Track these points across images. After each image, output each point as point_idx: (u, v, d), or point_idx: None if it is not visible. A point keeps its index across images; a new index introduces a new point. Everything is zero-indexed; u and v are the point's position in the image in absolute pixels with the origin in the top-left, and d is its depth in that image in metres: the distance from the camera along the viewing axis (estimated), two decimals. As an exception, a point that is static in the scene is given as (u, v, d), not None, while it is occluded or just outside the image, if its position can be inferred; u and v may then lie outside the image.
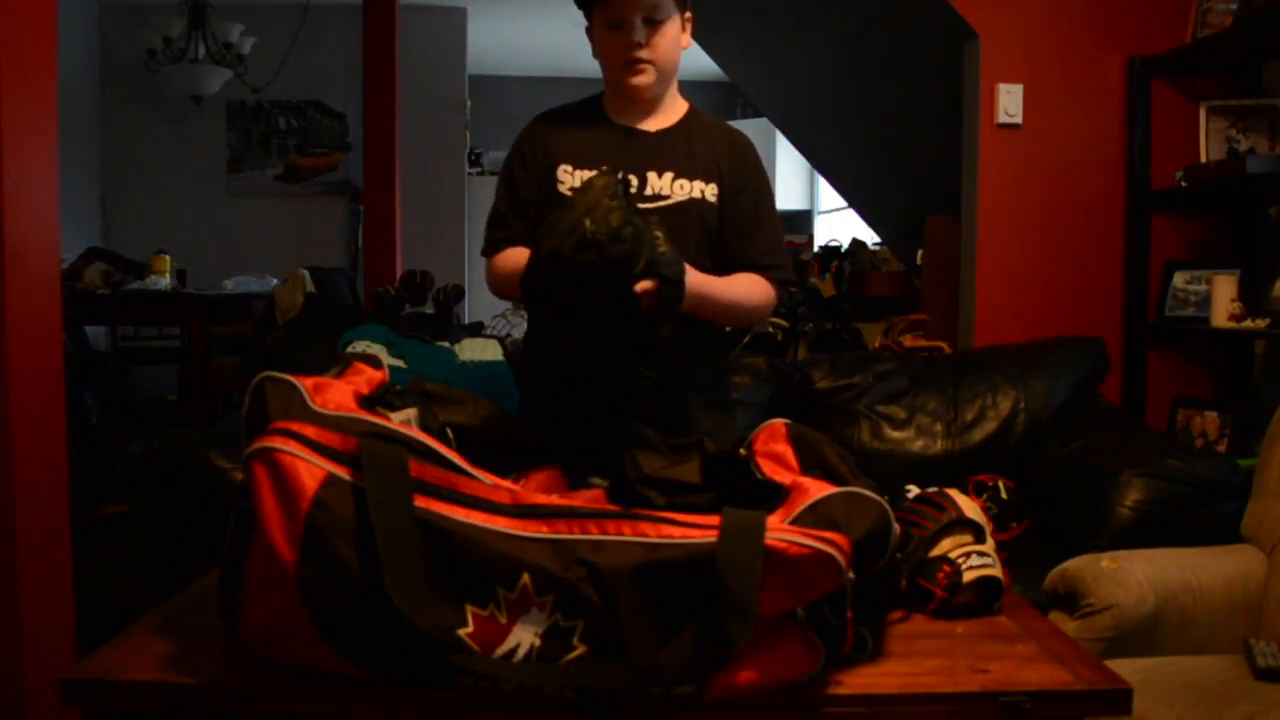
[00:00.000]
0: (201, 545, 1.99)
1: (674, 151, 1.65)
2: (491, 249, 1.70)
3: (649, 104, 1.67)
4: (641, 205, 1.60)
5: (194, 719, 0.97)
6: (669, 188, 1.63)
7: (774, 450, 1.16)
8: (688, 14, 1.65)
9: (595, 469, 1.27)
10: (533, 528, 0.94)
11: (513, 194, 1.68)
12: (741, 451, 1.20)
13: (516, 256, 1.61)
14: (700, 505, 1.19)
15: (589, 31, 1.64)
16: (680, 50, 1.64)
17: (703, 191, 1.64)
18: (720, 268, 1.66)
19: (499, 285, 1.68)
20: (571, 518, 0.95)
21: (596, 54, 1.65)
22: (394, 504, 0.92)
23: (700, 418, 1.67)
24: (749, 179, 1.68)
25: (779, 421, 1.22)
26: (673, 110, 1.69)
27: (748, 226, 1.67)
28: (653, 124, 1.67)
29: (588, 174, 1.61)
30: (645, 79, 1.61)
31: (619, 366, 1.47)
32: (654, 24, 1.58)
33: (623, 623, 0.91)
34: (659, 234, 1.38)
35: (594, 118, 1.69)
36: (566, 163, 1.64)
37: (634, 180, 1.61)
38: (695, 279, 1.48)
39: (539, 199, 1.65)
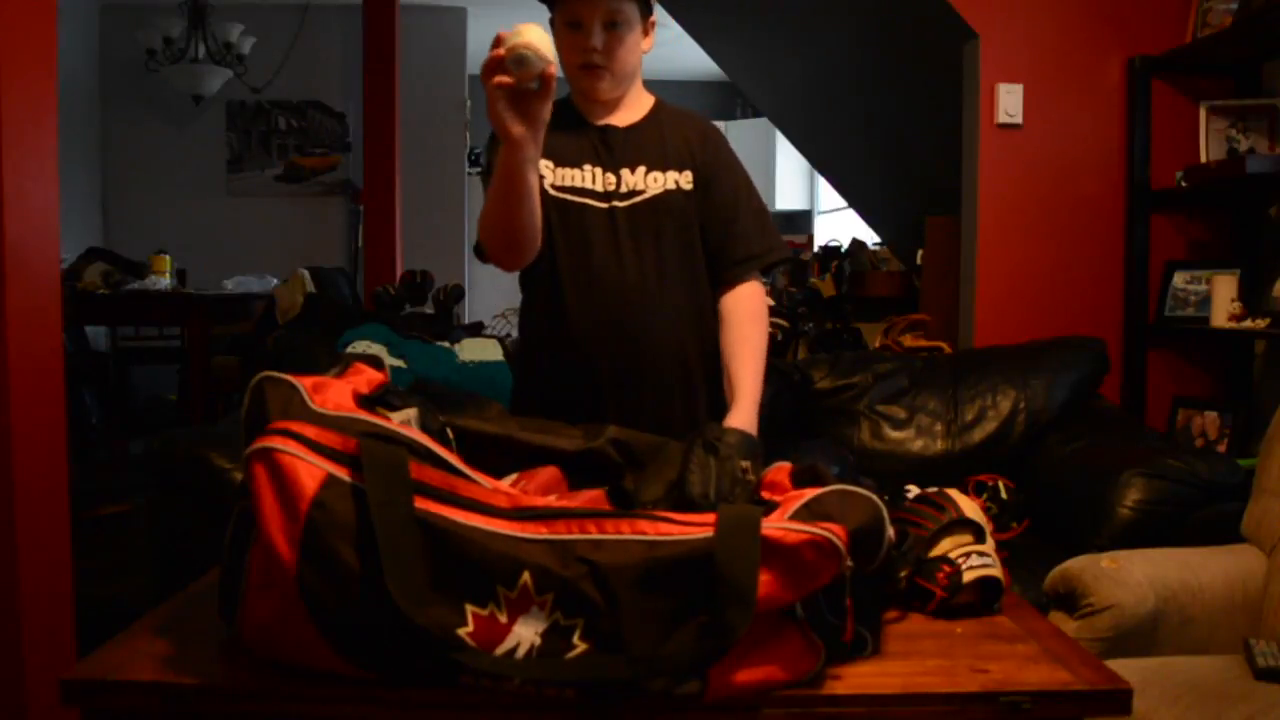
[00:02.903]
0: (201, 545, 1.99)
1: (645, 145, 1.65)
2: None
3: (613, 103, 1.66)
4: (618, 203, 1.61)
5: (194, 719, 0.97)
6: (643, 182, 1.62)
7: (773, 480, 1.17)
8: (651, 19, 1.62)
9: (595, 478, 1.27)
10: (532, 529, 0.94)
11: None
12: None
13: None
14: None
15: (552, 23, 1.61)
16: (640, 55, 1.62)
17: (677, 181, 1.63)
18: (710, 255, 1.67)
19: (484, 225, 1.59)
20: (570, 518, 0.95)
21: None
22: (394, 504, 0.92)
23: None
24: (722, 164, 1.67)
25: (784, 463, 1.22)
26: (639, 105, 1.68)
27: (731, 211, 1.66)
28: (622, 119, 1.66)
29: (567, 171, 1.62)
30: (599, 84, 1.60)
31: None
32: (614, 28, 1.55)
33: (623, 620, 0.91)
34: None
35: (567, 115, 1.67)
36: (547, 159, 1.62)
37: (611, 180, 1.62)
38: (746, 419, 1.53)
39: None
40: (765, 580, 0.92)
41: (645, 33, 1.61)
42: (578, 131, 1.65)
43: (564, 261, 1.62)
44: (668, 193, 1.62)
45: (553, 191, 1.61)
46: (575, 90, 1.65)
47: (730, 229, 1.66)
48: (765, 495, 1.14)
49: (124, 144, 6.47)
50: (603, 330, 1.62)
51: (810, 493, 1.01)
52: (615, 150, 1.63)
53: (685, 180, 1.63)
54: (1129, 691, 0.98)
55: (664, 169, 1.63)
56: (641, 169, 1.62)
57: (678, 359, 1.67)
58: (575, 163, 1.62)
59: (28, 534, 1.81)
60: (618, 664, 0.91)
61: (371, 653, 0.93)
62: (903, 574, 1.19)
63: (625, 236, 1.61)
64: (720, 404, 1.79)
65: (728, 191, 1.66)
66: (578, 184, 1.62)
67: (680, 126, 1.68)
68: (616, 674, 0.91)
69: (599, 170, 1.62)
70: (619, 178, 1.62)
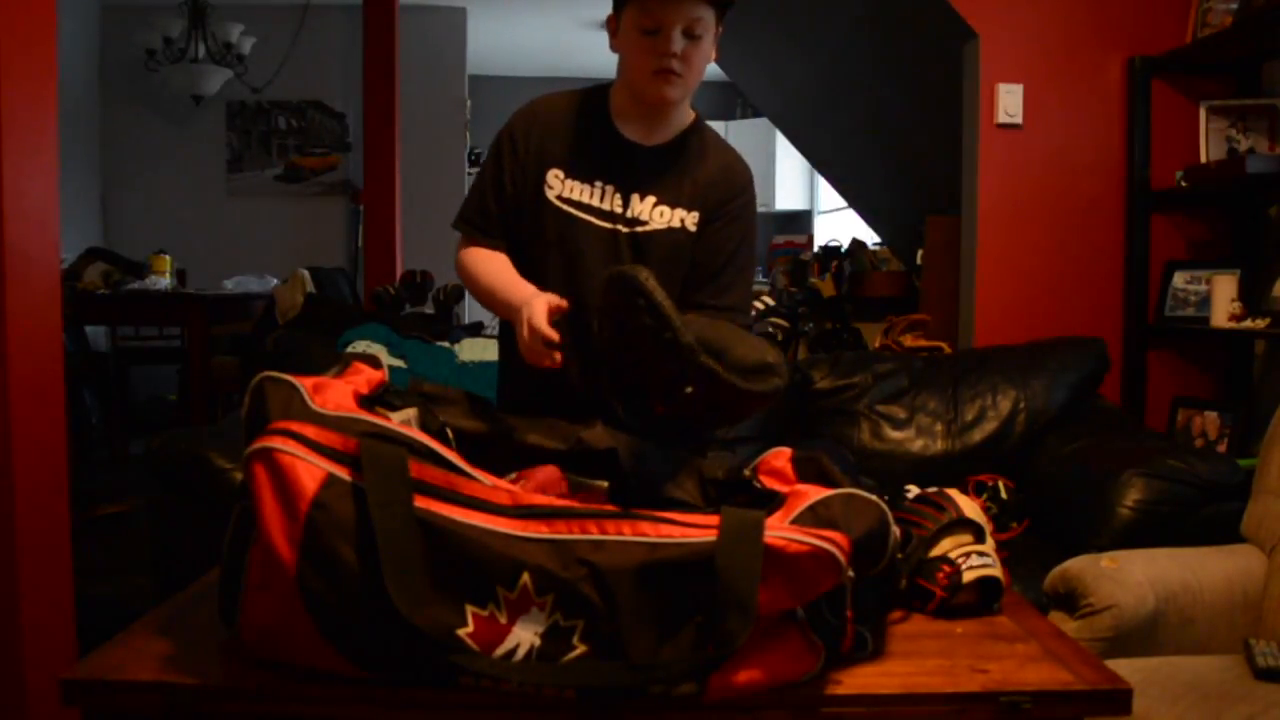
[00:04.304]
0: (201, 545, 2.00)
1: (664, 173, 1.58)
2: (466, 233, 1.62)
3: (660, 115, 1.59)
4: (621, 227, 1.56)
5: (194, 719, 0.97)
6: (649, 213, 1.56)
7: (775, 467, 1.17)
8: (720, 28, 1.55)
9: (594, 473, 1.27)
10: (533, 528, 0.94)
11: (498, 176, 1.60)
12: (746, 473, 1.20)
13: (491, 267, 1.56)
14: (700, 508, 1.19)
15: (610, 21, 1.55)
16: (708, 65, 1.56)
17: (683, 220, 1.57)
18: (684, 295, 1.58)
19: (467, 283, 1.62)
20: (571, 518, 0.95)
21: (617, 47, 1.55)
22: (394, 504, 0.92)
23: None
24: (734, 216, 1.61)
25: (784, 448, 1.22)
26: (678, 121, 1.61)
27: (722, 261, 1.59)
28: (651, 136, 1.59)
29: (576, 184, 1.55)
30: (673, 92, 1.52)
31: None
32: (693, 37, 1.48)
33: (623, 622, 0.91)
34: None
35: (595, 120, 1.61)
36: (558, 168, 1.57)
37: (619, 201, 1.55)
38: None
39: (522, 193, 1.58)
40: (765, 588, 0.92)
41: (715, 41, 1.55)
42: (600, 141, 1.59)
43: (556, 277, 1.56)
44: (671, 230, 1.57)
45: (557, 202, 1.56)
46: (640, 96, 1.55)
47: (714, 275, 1.60)
48: (767, 482, 1.14)
49: (124, 144, 6.47)
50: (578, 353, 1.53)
51: (816, 494, 1.01)
52: (633, 172, 1.57)
53: (691, 221, 1.58)
54: (1129, 691, 0.98)
55: (674, 205, 1.57)
56: (651, 199, 1.56)
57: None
58: (587, 177, 1.57)
59: (28, 534, 1.81)
60: (617, 670, 0.91)
61: (371, 653, 0.93)
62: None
63: (626, 263, 1.53)
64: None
65: (729, 243, 1.60)
66: (584, 199, 1.56)
67: (708, 165, 1.61)
68: (615, 681, 0.91)
69: (610, 188, 1.56)
70: (627, 202, 1.57)
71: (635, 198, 1.56)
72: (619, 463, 1.24)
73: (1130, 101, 2.99)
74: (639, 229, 1.56)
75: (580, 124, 1.61)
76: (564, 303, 1.39)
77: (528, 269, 1.58)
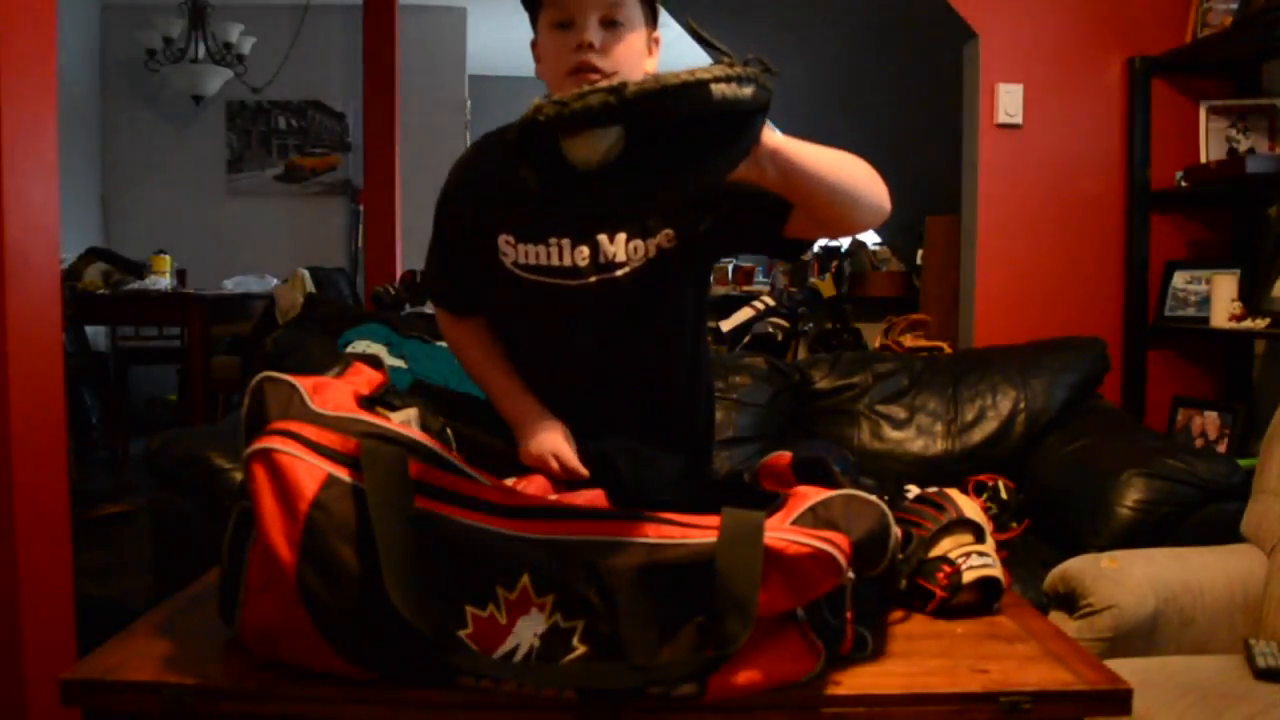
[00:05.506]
0: (201, 545, 2.00)
1: (623, 196, 1.27)
2: (442, 307, 1.51)
3: None
4: (594, 277, 1.36)
5: (194, 719, 0.97)
6: (624, 252, 1.36)
7: (775, 469, 1.18)
8: (656, 34, 1.37)
9: (594, 479, 1.27)
10: (533, 529, 0.94)
11: (453, 257, 1.46)
12: (745, 476, 1.20)
13: (484, 366, 1.46)
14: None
15: (534, 46, 1.37)
16: (643, 69, 1.34)
17: (659, 247, 1.36)
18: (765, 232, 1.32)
19: (460, 363, 1.52)
20: (571, 518, 0.95)
21: (541, 72, 1.36)
22: (394, 505, 0.92)
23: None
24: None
25: (784, 451, 1.22)
26: None
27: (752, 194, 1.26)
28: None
29: (531, 248, 1.36)
30: None
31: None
32: (613, 27, 1.29)
33: (623, 623, 0.91)
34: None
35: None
36: (506, 233, 1.38)
37: (585, 253, 1.36)
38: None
39: (479, 264, 1.42)
40: (765, 589, 0.92)
41: (649, 48, 1.36)
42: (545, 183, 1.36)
43: (530, 342, 1.45)
44: (649, 262, 1.36)
45: (517, 270, 1.38)
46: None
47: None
48: (767, 485, 1.15)
49: (124, 144, 6.47)
50: (567, 405, 1.42)
51: (817, 495, 1.01)
52: (590, 209, 1.33)
53: (667, 239, 1.36)
54: (1129, 691, 0.98)
55: (644, 235, 1.36)
56: (621, 236, 1.35)
57: (651, 431, 1.42)
58: (540, 236, 1.36)
59: (28, 534, 1.81)
60: (617, 672, 0.91)
61: (371, 653, 0.93)
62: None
63: (603, 315, 1.39)
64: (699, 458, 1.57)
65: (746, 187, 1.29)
66: (544, 262, 1.37)
67: None
68: (615, 682, 0.91)
69: (567, 243, 1.36)
70: (594, 247, 1.36)
71: (603, 239, 1.36)
72: (618, 467, 1.24)
73: (1130, 101, 3.00)
74: (616, 273, 1.36)
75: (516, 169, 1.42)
76: (578, 470, 1.33)
77: (511, 342, 1.47)
